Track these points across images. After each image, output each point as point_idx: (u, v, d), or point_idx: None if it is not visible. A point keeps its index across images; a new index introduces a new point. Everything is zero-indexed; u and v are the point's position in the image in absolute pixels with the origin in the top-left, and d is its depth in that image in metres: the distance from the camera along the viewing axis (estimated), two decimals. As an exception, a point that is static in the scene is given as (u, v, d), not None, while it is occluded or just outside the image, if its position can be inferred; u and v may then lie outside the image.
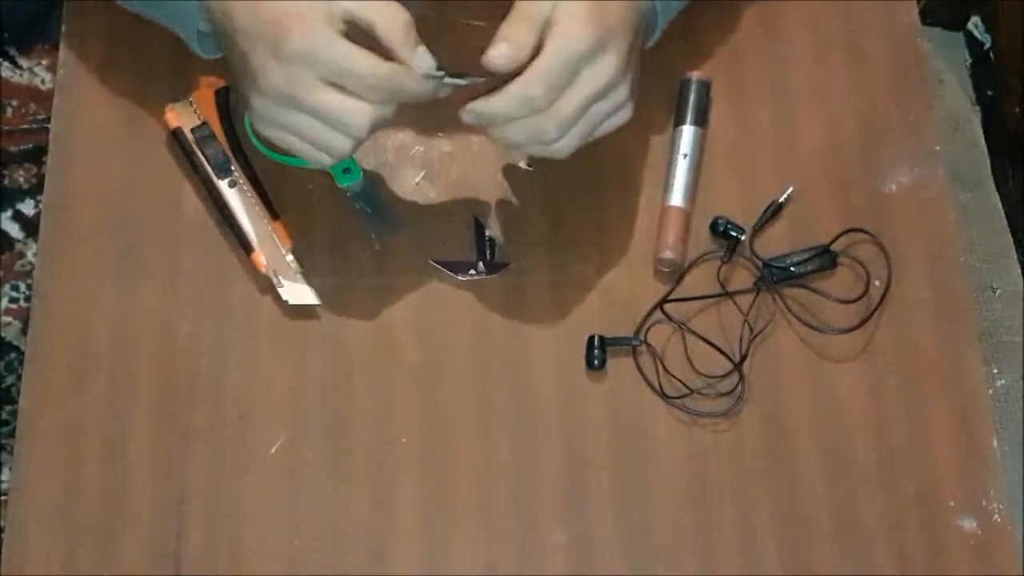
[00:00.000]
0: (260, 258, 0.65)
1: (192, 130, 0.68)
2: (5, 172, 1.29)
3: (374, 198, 0.67)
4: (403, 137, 0.70)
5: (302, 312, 0.65)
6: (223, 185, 0.67)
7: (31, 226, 1.26)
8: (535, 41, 0.58)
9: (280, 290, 0.65)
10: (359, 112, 0.57)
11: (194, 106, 0.69)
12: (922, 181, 0.70)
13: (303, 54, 0.56)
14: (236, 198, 0.66)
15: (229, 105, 0.69)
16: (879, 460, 0.64)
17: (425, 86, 0.58)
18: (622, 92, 0.60)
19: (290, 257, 0.65)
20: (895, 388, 0.65)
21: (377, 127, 0.59)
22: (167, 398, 0.64)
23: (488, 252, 0.67)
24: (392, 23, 0.58)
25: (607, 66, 0.58)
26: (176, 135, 0.68)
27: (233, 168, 0.67)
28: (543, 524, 0.62)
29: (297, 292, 0.65)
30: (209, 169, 0.67)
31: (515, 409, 0.64)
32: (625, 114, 0.61)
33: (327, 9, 0.57)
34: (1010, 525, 0.62)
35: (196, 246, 0.67)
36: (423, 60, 0.58)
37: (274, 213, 0.66)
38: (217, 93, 0.68)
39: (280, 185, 0.68)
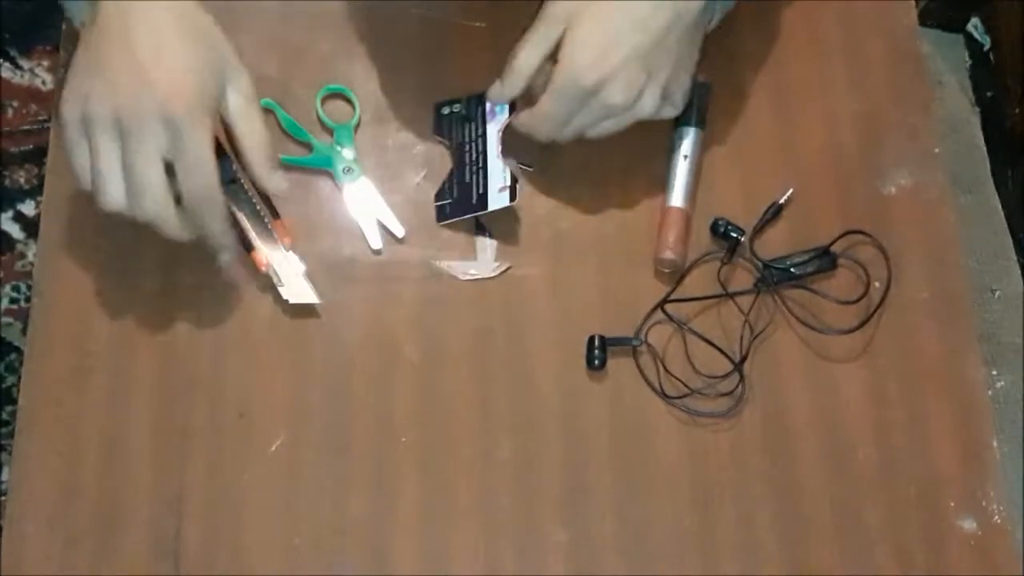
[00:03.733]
0: (260, 256, 0.65)
1: None
2: (6, 173, 1.29)
3: (372, 199, 0.67)
4: (404, 137, 0.70)
5: (302, 311, 0.65)
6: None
7: (32, 227, 1.26)
8: (537, 64, 0.62)
9: (280, 289, 0.65)
10: (167, 212, 0.57)
11: None
12: (922, 183, 0.70)
13: (176, 128, 0.55)
14: (236, 195, 0.66)
15: None
16: (879, 461, 0.64)
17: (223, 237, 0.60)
18: (646, 105, 0.62)
19: (291, 255, 0.65)
20: (895, 389, 0.65)
21: (152, 221, 0.57)
22: (166, 397, 0.64)
23: (488, 252, 0.68)
24: (258, 143, 0.60)
25: (611, 95, 0.61)
26: None
27: (234, 166, 0.67)
28: (543, 523, 0.62)
29: (297, 291, 0.65)
30: None
31: (515, 409, 0.64)
32: (668, 111, 0.64)
33: (213, 101, 0.57)
34: (1010, 526, 0.62)
35: (196, 245, 0.67)
36: (277, 184, 0.61)
37: (274, 212, 0.66)
38: None
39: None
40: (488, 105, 0.68)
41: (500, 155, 0.67)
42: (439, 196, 0.68)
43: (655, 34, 0.60)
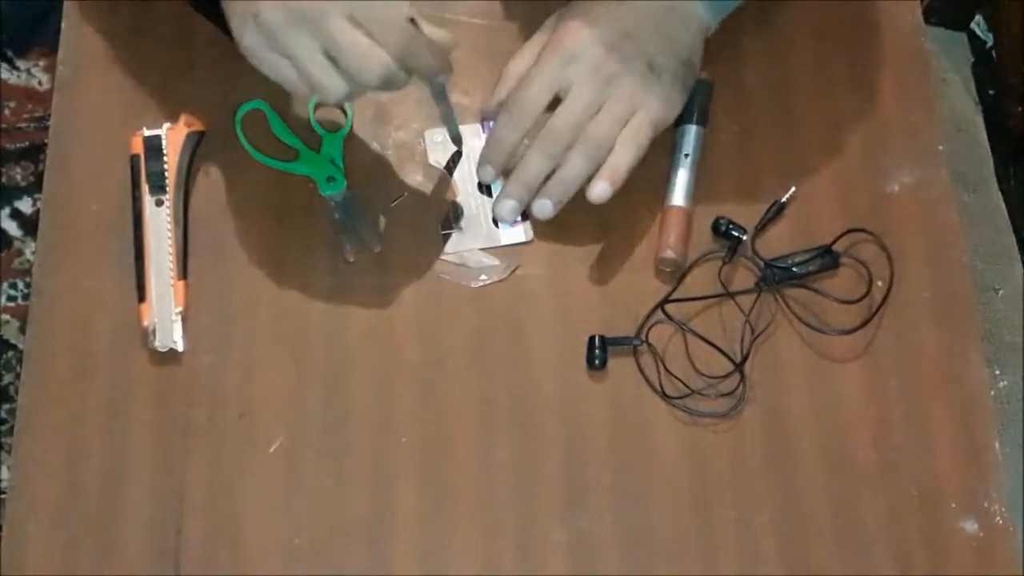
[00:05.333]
0: (146, 311, 0.64)
1: (145, 138, 0.67)
2: (2, 170, 1.29)
3: (353, 211, 0.67)
4: (404, 135, 0.70)
5: (302, 310, 0.65)
6: (148, 213, 0.66)
7: (29, 224, 1.26)
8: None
9: (150, 338, 0.64)
10: (374, 58, 0.56)
11: (162, 140, 0.67)
12: (924, 181, 0.70)
13: None
14: (153, 243, 0.65)
15: (196, 152, 0.68)
16: (880, 461, 0.63)
17: (435, 61, 0.58)
18: (624, 89, 0.64)
19: (177, 320, 0.64)
20: (896, 389, 0.65)
21: (382, 84, 0.58)
22: (167, 396, 0.64)
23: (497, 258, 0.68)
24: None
25: (586, 61, 0.64)
26: (135, 161, 0.67)
27: (166, 198, 0.66)
28: (543, 523, 0.62)
29: (166, 341, 0.64)
30: (145, 192, 0.66)
31: (515, 409, 0.64)
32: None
33: None
34: (1011, 527, 0.62)
35: (195, 244, 0.67)
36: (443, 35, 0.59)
37: (183, 272, 0.65)
38: (189, 135, 0.67)
39: (282, 184, 0.68)
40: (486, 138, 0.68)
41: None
42: (445, 224, 0.67)
43: (639, 20, 0.64)
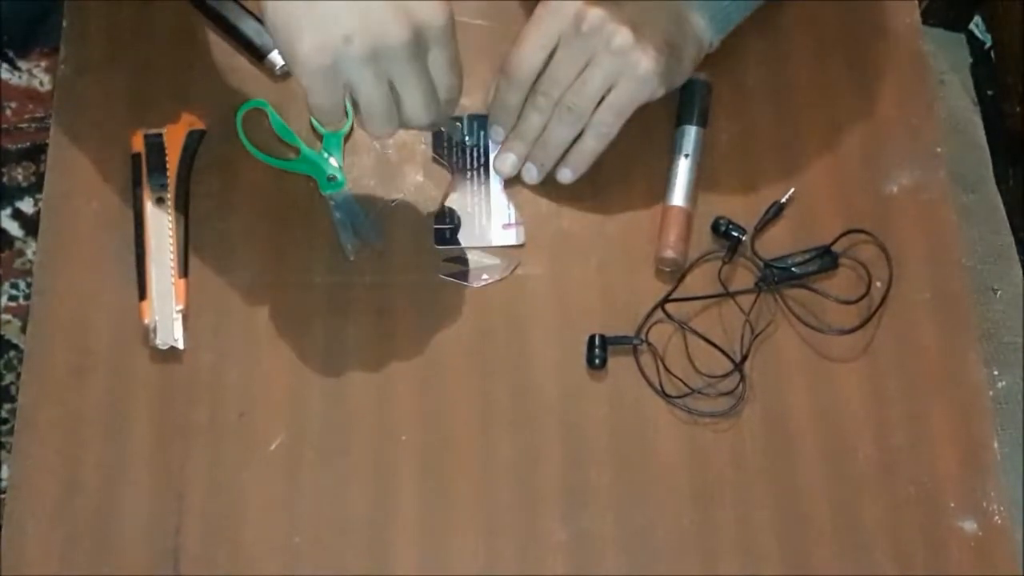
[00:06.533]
0: (147, 309, 0.64)
1: (145, 137, 0.67)
2: (4, 170, 1.29)
3: (353, 210, 0.67)
4: (404, 135, 0.70)
5: (302, 309, 0.65)
6: (149, 212, 0.66)
7: (30, 224, 1.26)
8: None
9: (151, 336, 0.64)
10: (433, 104, 0.57)
11: (163, 139, 0.67)
12: (923, 182, 0.70)
13: (434, 34, 0.56)
14: (153, 242, 0.65)
15: (197, 151, 0.68)
16: (879, 461, 0.64)
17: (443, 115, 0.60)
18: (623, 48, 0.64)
19: (178, 318, 0.64)
20: (896, 389, 0.65)
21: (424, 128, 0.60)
22: (166, 395, 0.64)
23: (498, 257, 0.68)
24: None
25: (591, 19, 0.64)
26: (136, 160, 0.67)
27: (167, 197, 0.66)
28: (543, 523, 0.62)
29: (166, 339, 0.64)
30: (146, 189, 0.66)
31: (515, 408, 0.64)
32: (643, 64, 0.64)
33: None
34: (1010, 527, 0.62)
35: (196, 242, 0.67)
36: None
37: (184, 271, 0.65)
38: (190, 134, 0.68)
39: (283, 183, 0.68)
40: (490, 132, 0.69)
41: (504, 190, 0.68)
42: (439, 219, 0.67)
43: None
